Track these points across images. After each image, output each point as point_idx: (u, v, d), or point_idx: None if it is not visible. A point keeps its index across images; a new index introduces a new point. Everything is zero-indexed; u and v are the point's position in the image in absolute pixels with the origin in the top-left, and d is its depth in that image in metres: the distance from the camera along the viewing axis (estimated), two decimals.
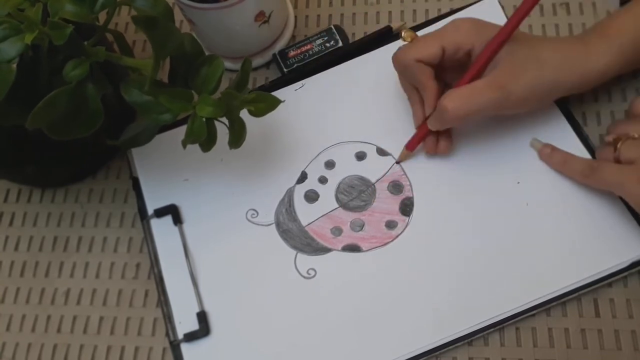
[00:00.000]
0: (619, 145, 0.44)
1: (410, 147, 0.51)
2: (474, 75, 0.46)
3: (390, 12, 0.60)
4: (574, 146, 0.50)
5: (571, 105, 0.53)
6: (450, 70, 0.48)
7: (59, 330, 0.51)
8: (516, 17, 0.44)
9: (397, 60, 0.48)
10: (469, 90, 0.45)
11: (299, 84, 0.56)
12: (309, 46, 0.57)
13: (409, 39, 0.49)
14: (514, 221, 0.48)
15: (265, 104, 0.43)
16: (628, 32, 0.46)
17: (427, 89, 0.47)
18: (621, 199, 0.47)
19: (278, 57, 0.57)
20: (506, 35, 0.45)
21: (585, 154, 0.49)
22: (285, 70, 0.56)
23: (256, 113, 0.42)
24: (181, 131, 0.54)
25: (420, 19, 0.58)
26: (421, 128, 0.50)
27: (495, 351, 0.46)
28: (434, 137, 0.50)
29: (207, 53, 0.46)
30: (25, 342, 0.51)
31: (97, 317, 0.51)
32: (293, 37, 0.60)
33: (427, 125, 0.48)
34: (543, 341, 0.46)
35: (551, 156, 0.49)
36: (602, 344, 0.45)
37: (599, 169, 0.45)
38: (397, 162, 0.52)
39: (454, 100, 0.44)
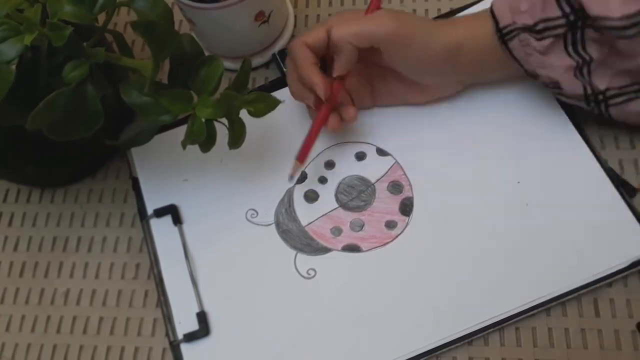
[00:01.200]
0: None
1: (302, 159, 0.49)
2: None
3: None
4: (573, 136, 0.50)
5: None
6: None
7: (58, 331, 0.51)
8: None
9: (288, 49, 0.49)
10: (359, 15, 0.47)
11: None
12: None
13: None
14: (514, 221, 0.48)
15: (264, 104, 0.43)
16: (456, 37, 0.47)
17: (317, 83, 0.46)
18: (624, 198, 0.47)
19: (278, 57, 0.57)
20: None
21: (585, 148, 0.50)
22: (284, 70, 0.56)
23: (256, 113, 0.42)
24: (181, 131, 0.54)
25: None
26: (315, 124, 0.49)
27: (495, 351, 0.46)
28: (334, 114, 0.49)
29: (206, 53, 0.46)
30: (24, 342, 0.51)
31: (97, 317, 0.51)
32: (293, 36, 0.59)
33: (334, 72, 0.47)
34: (543, 341, 0.46)
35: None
36: (602, 344, 0.45)
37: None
38: (291, 175, 0.50)
39: (339, 22, 0.46)
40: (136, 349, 0.49)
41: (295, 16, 0.60)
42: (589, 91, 0.45)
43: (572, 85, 0.45)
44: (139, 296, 0.51)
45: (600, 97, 0.45)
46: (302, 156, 0.49)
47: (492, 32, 0.46)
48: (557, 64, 0.44)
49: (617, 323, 0.46)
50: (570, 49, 0.43)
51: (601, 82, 0.44)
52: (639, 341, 0.45)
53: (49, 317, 0.51)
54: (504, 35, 0.45)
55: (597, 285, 0.46)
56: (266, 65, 0.58)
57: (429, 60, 0.47)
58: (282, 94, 0.54)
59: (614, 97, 0.45)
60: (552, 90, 0.48)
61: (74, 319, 0.51)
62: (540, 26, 0.43)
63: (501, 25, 0.45)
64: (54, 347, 0.50)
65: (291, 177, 0.50)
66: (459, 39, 0.47)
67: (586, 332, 0.46)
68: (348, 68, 0.47)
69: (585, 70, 0.44)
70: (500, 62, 0.47)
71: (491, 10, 0.46)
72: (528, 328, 0.46)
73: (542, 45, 0.44)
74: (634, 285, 0.46)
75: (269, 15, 0.54)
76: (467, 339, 0.46)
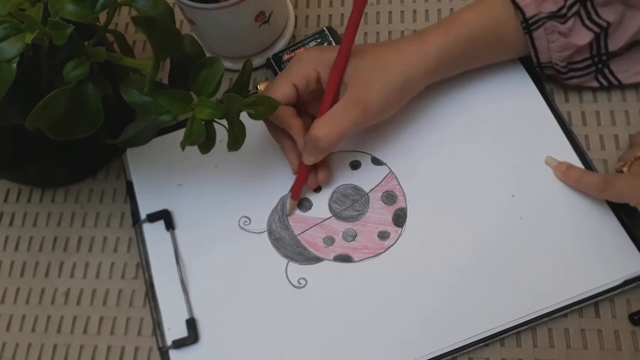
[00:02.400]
0: (628, 166, 0.47)
1: (296, 196, 0.51)
2: (331, 101, 0.47)
3: (390, 13, 0.60)
4: (568, 155, 0.50)
5: (571, 105, 0.53)
6: (312, 102, 0.49)
7: (59, 331, 0.51)
8: (348, 34, 0.45)
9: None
10: (332, 115, 0.46)
11: None
12: (302, 49, 0.57)
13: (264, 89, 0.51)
14: (508, 235, 0.48)
15: (265, 106, 0.43)
16: (468, 23, 0.48)
17: (293, 127, 0.48)
18: (618, 216, 0.47)
19: (272, 61, 0.57)
20: (345, 53, 0.46)
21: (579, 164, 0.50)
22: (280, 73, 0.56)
23: (256, 116, 0.42)
24: (176, 135, 0.54)
25: (421, 20, 0.59)
26: (300, 171, 0.50)
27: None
28: (312, 172, 0.50)
29: (207, 53, 0.46)
30: (25, 342, 0.51)
31: (98, 317, 0.51)
32: (293, 37, 0.60)
33: (304, 161, 0.48)
34: (543, 341, 0.46)
35: (567, 173, 0.49)
36: (602, 344, 0.45)
37: (613, 182, 0.46)
38: (288, 215, 0.51)
39: (321, 128, 0.46)
40: (136, 349, 0.49)
41: (296, 16, 0.60)
42: (595, 52, 0.49)
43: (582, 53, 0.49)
44: (139, 296, 0.51)
45: (604, 57, 0.49)
46: (296, 194, 0.51)
47: (472, 30, 0.48)
48: (580, 42, 0.47)
49: (617, 323, 0.46)
50: (587, 22, 0.46)
51: (614, 46, 0.48)
52: (639, 341, 0.45)
53: (49, 317, 0.51)
54: (530, 25, 0.47)
55: (586, 303, 0.46)
56: (266, 65, 0.58)
57: (409, 95, 0.49)
58: None
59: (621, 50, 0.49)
60: (555, 75, 0.50)
61: (75, 318, 0.51)
62: (562, 11, 0.47)
63: (528, 15, 0.47)
64: (55, 346, 0.50)
65: (288, 215, 0.51)
66: (432, 55, 0.47)
67: (586, 332, 0.46)
68: (322, 157, 0.49)
69: (602, 37, 0.48)
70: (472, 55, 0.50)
71: (514, 2, 0.47)
72: (528, 332, 0.46)
73: (567, 27, 0.47)
74: (634, 287, 0.46)
75: (270, 16, 0.54)
76: (456, 353, 0.45)
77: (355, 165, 0.53)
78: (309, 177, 0.50)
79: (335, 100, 0.47)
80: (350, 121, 0.46)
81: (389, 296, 0.47)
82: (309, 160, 0.48)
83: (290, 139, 0.49)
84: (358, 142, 0.53)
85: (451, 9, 0.58)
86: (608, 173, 0.50)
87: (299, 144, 0.48)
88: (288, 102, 0.47)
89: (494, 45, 0.50)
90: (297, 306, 0.48)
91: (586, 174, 0.48)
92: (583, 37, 0.47)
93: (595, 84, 0.51)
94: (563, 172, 0.49)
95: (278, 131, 0.50)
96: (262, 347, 0.47)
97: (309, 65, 0.47)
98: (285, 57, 0.57)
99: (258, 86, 0.57)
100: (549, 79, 0.54)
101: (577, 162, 0.50)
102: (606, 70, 0.50)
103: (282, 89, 0.47)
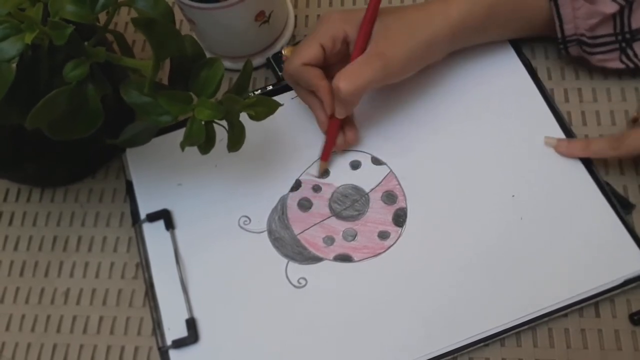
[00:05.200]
0: None
1: (325, 157, 0.52)
2: (357, 55, 0.48)
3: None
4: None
5: (571, 105, 0.53)
6: (336, 64, 0.49)
7: (58, 330, 0.51)
8: None
9: (286, 73, 0.50)
10: (353, 66, 0.47)
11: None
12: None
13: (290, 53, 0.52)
14: (508, 235, 0.48)
15: (265, 107, 0.42)
16: None
17: (321, 88, 0.48)
18: (619, 215, 0.47)
19: (272, 61, 0.57)
20: (373, 10, 0.47)
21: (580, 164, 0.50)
22: (280, 74, 0.56)
23: (256, 117, 0.42)
24: (176, 135, 0.54)
25: None
26: (329, 131, 0.51)
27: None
28: (340, 133, 0.51)
29: (207, 53, 0.46)
30: (24, 342, 0.51)
31: (97, 317, 0.51)
32: (293, 36, 0.60)
33: (335, 115, 0.49)
34: (543, 341, 0.46)
35: (571, 147, 0.49)
36: (602, 344, 0.45)
37: (626, 138, 0.47)
38: (318, 177, 0.52)
39: (343, 78, 0.46)
40: (136, 349, 0.49)
41: (296, 16, 0.60)
42: (618, 28, 0.48)
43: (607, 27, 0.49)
44: (139, 296, 0.51)
45: (628, 35, 0.49)
46: (326, 155, 0.51)
47: None
48: (606, 10, 0.47)
49: (617, 323, 0.46)
50: None
51: (637, 23, 0.48)
52: (639, 341, 0.45)
53: (49, 317, 0.51)
54: None
55: (586, 303, 0.46)
56: (266, 65, 0.58)
57: (432, 56, 0.50)
58: (281, 98, 0.55)
59: None
60: (572, 49, 0.51)
61: (74, 318, 0.51)
62: None
63: None
64: (54, 346, 0.50)
65: (318, 177, 0.52)
66: (457, 17, 0.48)
67: (586, 332, 0.46)
68: (352, 110, 0.49)
69: (626, 12, 0.48)
70: (499, 22, 0.51)
71: None
72: (528, 333, 0.46)
73: None
74: (634, 287, 0.46)
75: (270, 16, 0.54)
76: (456, 353, 0.45)
77: (355, 165, 0.53)
78: (338, 141, 0.51)
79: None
80: (371, 73, 0.46)
81: (389, 296, 0.47)
82: (338, 113, 0.48)
83: (318, 99, 0.50)
84: (358, 142, 0.53)
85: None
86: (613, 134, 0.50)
87: (326, 104, 0.48)
88: (316, 62, 0.48)
89: (519, 14, 0.50)
90: (297, 306, 0.48)
91: (592, 140, 0.49)
92: (609, 5, 0.47)
93: (620, 65, 0.51)
94: (567, 146, 0.49)
95: (306, 93, 0.51)
96: (262, 347, 0.47)
97: (336, 25, 0.48)
98: (286, 56, 0.56)
99: (283, 51, 0.56)
100: (549, 79, 0.54)
101: (577, 159, 0.50)
102: (630, 52, 0.50)
103: (310, 50, 0.48)
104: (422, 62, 0.50)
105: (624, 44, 0.49)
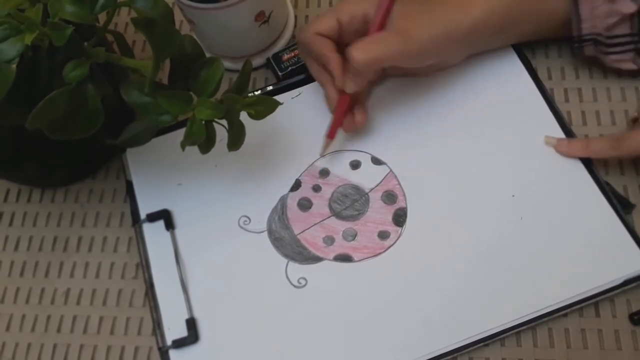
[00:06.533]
0: None
1: (332, 135, 0.51)
2: (376, 31, 0.47)
3: None
4: None
5: (571, 105, 0.53)
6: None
7: (58, 330, 0.51)
8: None
9: (299, 39, 0.50)
10: (372, 37, 0.47)
11: (296, 92, 0.56)
12: None
13: None
14: (508, 235, 0.48)
15: (264, 106, 0.42)
16: None
17: (332, 60, 0.48)
18: (619, 215, 0.47)
19: (272, 61, 0.57)
20: None
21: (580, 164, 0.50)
22: (280, 74, 0.56)
23: (256, 116, 0.42)
24: (176, 135, 0.54)
25: None
26: (338, 107, 0.50)
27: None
28: (349, 114, 0.51)
29: (207, 53, 0.46)
30: (25, 342, 0.51)
31: (97, 317, 0.51)
32: (293, 36, 0.60)
33: (345, 89, 0.48)
34: (543, 341, 0.46)
35: (572, 146, 0.49)
36: (602, 344, 0.45)
37: (626, 139, 0.47)
38: (321, 154, 0.52)
39: (360, 47, 0.45)
40: (136, 349, 0.49)
41: (296, 16, 0.60)
42: (636, 29, 0.48)
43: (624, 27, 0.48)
44: (139, 296, 0.51)
45: None
46: (332, 132, 0.51)
47: None
48: (625, 10, 0.47)
49: (617, 323, 0.46)
50: None
51: None
52: (639, 341, 0.45)
53: (49, 317, 0.51)
54: None
55: (585, 303, 0.46)
56: (266, 65, 0.58)
57: (447, 51, 0.50)
58: (281, 98, 0.54)
59: None
60: (592, 49, 0.50)
61: (75, 318, 0.51)
62: None
63: None
64: (54, 346, 0.50)
65: (322, 155, 0.52)
66: (477, 15, 0.48)
67: (586, 332, 0.46)
68: (363, 86, 0.48)
69: None
70: (518, 21, 0.50)
71: None
72: (528, 333, 0.46)
73: None
74: (634, 287, 0.46)
75: (269, 16, 0.54)
76: (456, 353, 0.45)
77: (355, 165, 0.53)
78: (346, 122, 0.51)
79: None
80: (389, 47, 0.46)
81: (389, 296, 0.47)
82: (349, 86, 0.48)
83: (329, 73, 0.49)
84: (358, 142, 0.53)
85: None
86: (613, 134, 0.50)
87: (336, 77, 0.48)
88: (329, 34, 0.48)
89: (537, 14, 0.50)
90: (297, 306, 0.48)
91: (592, 140, 0.49)
92: (628, 5, 0.47)
93: (633, 66, 0.50)
94: (567, 146, 0.49)
95: (316, 66, 0.50)
96: (262, 347, 0.47)
97: (357, 2, 0.48)
98: (285, 56, 0.57)
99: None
100: (549, 79, 0.54)
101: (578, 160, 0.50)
102: None
103: (325, 20, 0.48)
104: (437, 54, 0.49)
105: (639, 45, 0.49)
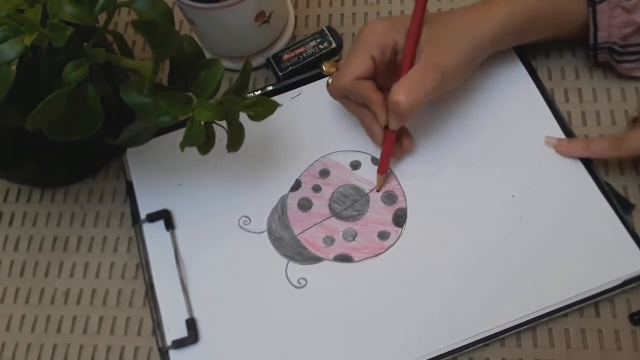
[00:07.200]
0: None
1: (384, 170, 0.51)
2: (409, 64, 0.47)
3: (390, 12, 0.60)
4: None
5: (571, 105, 0.53)
6: (382, 75, 0.49)
7: (58, 330, 0.51)
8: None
9: (336, 89, 0.49)
10: (411, 78, 0.46)
11: (296, 91, 0.56)
12: (302, 49, 0.56)
13: (333, 69, 0.53)
14: (508, 235, 0.48)
15: (264, 108, 0.42)
16: None
17: (375, 101, 0.47)
18: (619, 215, 0.47)
19: (272, 61, 0.57)
20: (419, 17, 0.46)
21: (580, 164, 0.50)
22: (280, 74, 0.56)
23: (255, 117, 0.42)
24: (176, 135, 0.54)
25: None
26: (385, 142, 0.49)
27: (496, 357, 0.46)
28: (396, 142, 0.50)
29: (207, 53, 0.46)
30: (25, 342, 0.51)
31: (97, 317, 0.51)
32: (293, 36, 0.59)
33: (391, 127, 0.48)
34: (543, 341, 0.46)
35: (572, 146, 0.49)
36: (602, 344, 0.45)
37: (627, 139, 0.47)
38: (377, 191, 0.51)
39: (402, 92, 0.45)
40: (136, 349, 0.49)
41: (296, 16, 0.60)
42: None
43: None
44: (139, 296, 0.51)
45: None
46: (383, 168, 0.51)
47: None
48: None
49: (617, 323, 0.46)
50: None
51: None
52: (639, 341, 0.45)
53: (49, 317, 0.51)
54: None
55: (586, 303, 0.46)
56: (266, 65, 0.58)
57: (476, 61, 0.50)
58: (281, 98, 0.55)
59: None
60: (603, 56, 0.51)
61: (74, 318, 0.51)
62: None
63: None
64: (54, 346, 0.50)
65: (378, 190, 0.51)
66: (498, 23, 0.48)
67: (586, 332, 0.46)
68: (407, 121, 0.48)
69: None
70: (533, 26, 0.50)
71: None
72: (528, 333, 0.46)
73: (631, 3, 0.47)
74: (634, 287, 0.46)
75: (270, 16, 0.54)
76: (456, 353, 0.45)
77: (355, 165, 0.53)
78: (395, 150, 0.50)
79: (411, 66, 0.46)
80: (430, 84, 0.45)
81: (389, 296, 0.47)
82: (394, 124, 0.47)
83: (370, 111, 0.49)
84: (358, 142, 0.53)
85: (451, 9, 0.57)
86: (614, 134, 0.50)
87: (380, 117, 0.48)
88: (367, 75, 0.47)
89: (556, 20, 0.50)
90: (297, 306, 0.48)
91: (593, 140, 0.49)
92: None
93: None
94: (567, 146, 0.49)
95: (357, 106, 0.50)
96: (262, 347, 0.47)
97: (385, 34, 0.47)
98: (285, 56, 0.57)
99: (324, 67, 0.55)
100: (549, 79, 0.54)
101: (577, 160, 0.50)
102: None
103: (361, 63, 0.47)
104: (470, 68, 0.49)
105: None
